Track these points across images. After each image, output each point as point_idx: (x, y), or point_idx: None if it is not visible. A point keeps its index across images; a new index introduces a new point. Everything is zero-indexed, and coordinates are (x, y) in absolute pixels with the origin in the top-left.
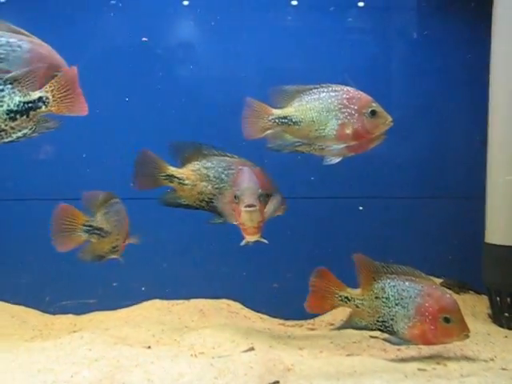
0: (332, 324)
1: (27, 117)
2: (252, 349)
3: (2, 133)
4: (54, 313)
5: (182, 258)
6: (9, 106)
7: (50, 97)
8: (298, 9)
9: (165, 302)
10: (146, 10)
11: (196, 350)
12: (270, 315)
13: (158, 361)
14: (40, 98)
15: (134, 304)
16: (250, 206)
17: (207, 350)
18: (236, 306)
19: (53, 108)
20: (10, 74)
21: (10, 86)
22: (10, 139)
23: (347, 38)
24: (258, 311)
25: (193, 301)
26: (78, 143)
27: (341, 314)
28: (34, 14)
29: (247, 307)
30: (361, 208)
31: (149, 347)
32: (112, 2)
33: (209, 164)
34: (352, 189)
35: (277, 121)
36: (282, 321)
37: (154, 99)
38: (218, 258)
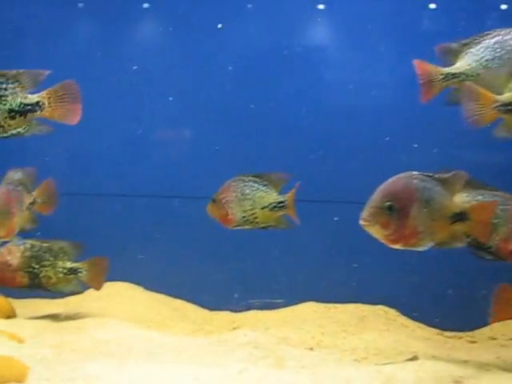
0: (494, 339)
1: (24, 117)
2: (416, 358)
3: (0, 129)
4: (211, 309)
5: (339, 262)
6: (11, 105)
7: (46, 102)
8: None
9: (321, 305)
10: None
11: (358, 355)
12: (426, 324)
13: (324, 363)
14: (37, 102)
15: (290, 305)
16: (363, 219)
17: (370, 356)
18: (393, 313)
19: (46, 113)
20: (12, 72)
21: (12, 86)
22: (4, 135)
23: None
24: (414, 319)
25: (349, 305)
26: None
27: (500, 329)
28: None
29: (404, 315)
30: None
31: (311, 349)
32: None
33: (480, 197)
34: None
35: (502, 108)
36: (439, 331)
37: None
38: (376, 264)
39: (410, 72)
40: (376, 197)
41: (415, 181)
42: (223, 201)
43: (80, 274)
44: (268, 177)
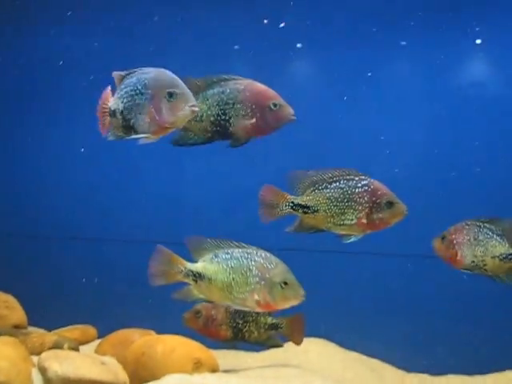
0: None
1: None
2: None
3: None
4: (408, 370)
5: None
6: None
7: None
8: None
9: None
10: None
11: None
12: None
13: None
14: None
15: (489, 373)
16: None
17: None
18: None
19: None
20: None
21: None
22: None
23: None
24: None
25: None
26: None
27: None
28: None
29: None
30: None
31: None
32: None
33: None
34: None
35: None
36: None
37: None
38: None
39: None
40: None
41: None
42: (454, 241)
43: (280, 330)
44: (503, 225)
